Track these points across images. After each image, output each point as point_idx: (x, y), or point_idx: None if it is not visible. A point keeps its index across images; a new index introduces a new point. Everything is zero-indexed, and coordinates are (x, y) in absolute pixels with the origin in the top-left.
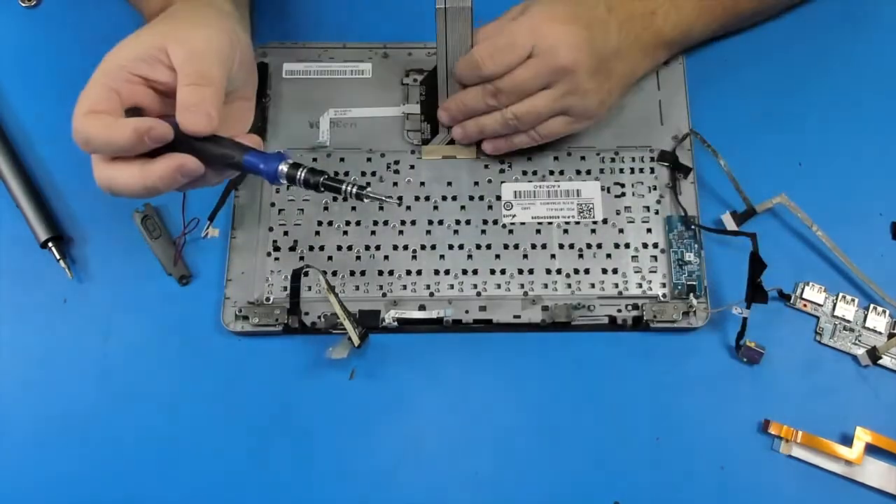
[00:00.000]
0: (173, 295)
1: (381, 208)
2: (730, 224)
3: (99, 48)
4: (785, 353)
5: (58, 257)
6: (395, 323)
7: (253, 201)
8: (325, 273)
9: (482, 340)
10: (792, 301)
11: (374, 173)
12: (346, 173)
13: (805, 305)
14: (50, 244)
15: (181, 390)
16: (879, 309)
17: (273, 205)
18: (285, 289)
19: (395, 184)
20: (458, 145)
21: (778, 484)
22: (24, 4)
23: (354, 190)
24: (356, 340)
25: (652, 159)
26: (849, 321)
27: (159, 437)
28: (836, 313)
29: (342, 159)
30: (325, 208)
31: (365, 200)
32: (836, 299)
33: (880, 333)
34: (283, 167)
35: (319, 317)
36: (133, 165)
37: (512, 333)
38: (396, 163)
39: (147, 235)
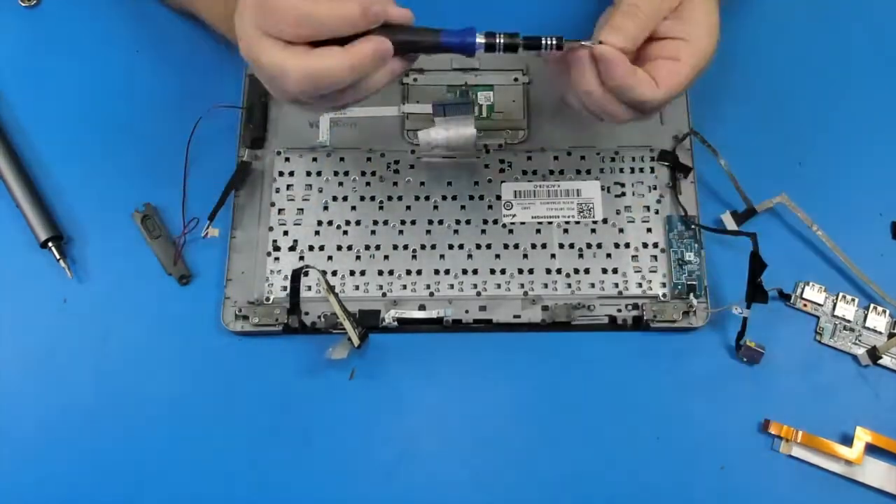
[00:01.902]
0: (173, 295)
1: (380, 208)
2: (730, 224)
3: (99, 48)
4: (785, 353)
5: (58, 257)
6: (395, 323)
7: (253, 201)
8: (324, 273)
9: (482, 340)
10: (792, 301)
11: (374, 173)
12: (346, 173)
13: (805, 305)
14: (50, 244)
15: (181, 390)
16: (879, 309)
17: (273, 205)
18: (285, 289)
19: (395, 183)
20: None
21: (778, 484)
22: (24, 4)
23: (553, 41)
24: (356, 340)
25: (652, 159)
26: (849, 321)
27: (159, 437)
28: (836, 313)
29: (342, 159)
30: (325, 208)
31: (564, 48)
32: (836, 299)
33: (880, 333)
34: (481, 39)
35: (319, 317)
36: (335, 50)
37: (512, 333)
38: (396, 162)
39: (147, 235)
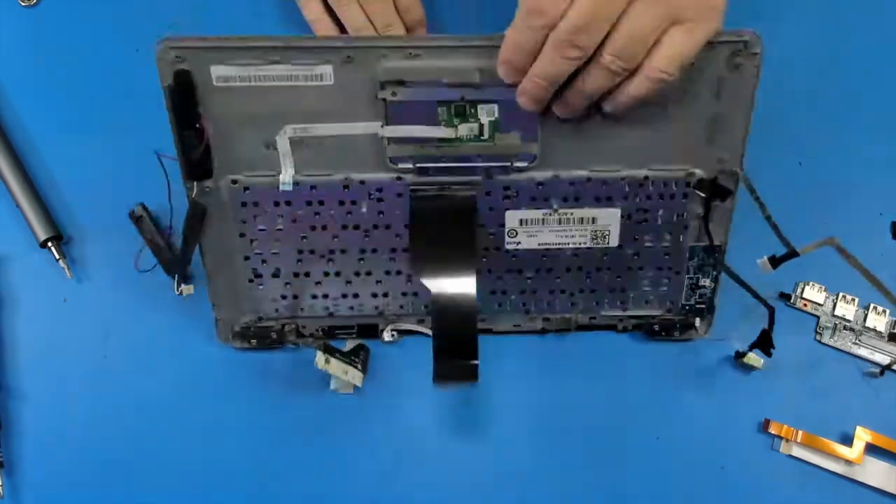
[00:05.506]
0: (173, 295)
1: (366, 236)
2: (766, 268)
3: (99, 48)
4: (785, 353)
5: (57, 257)
6: (395, 334)
7: (220, 230)
8: (323, 343)
9: (482, 343)
10: (792, 301)
11: (353, 202)
12: (321, 202)
13: (805, 305)
14: (49, 244)
15: (181, 390)
16: (879, 309)
17: (243, 235)
18: (277, 310)
19: (381, 212)
20: None
21: (778, 484)
22: (24, 4)
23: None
24: (359, 383)
25: (687, 185)
26: (849, 321)
27: (159, 438)
28: (836, 313)
29: (313, 188)
30: (304, 237)
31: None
32: (836, 299)
33: (880, 333)
34: None
35: (315, 339)
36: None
37: (512, 336)
38: (379, 191)
39: (144, 236)
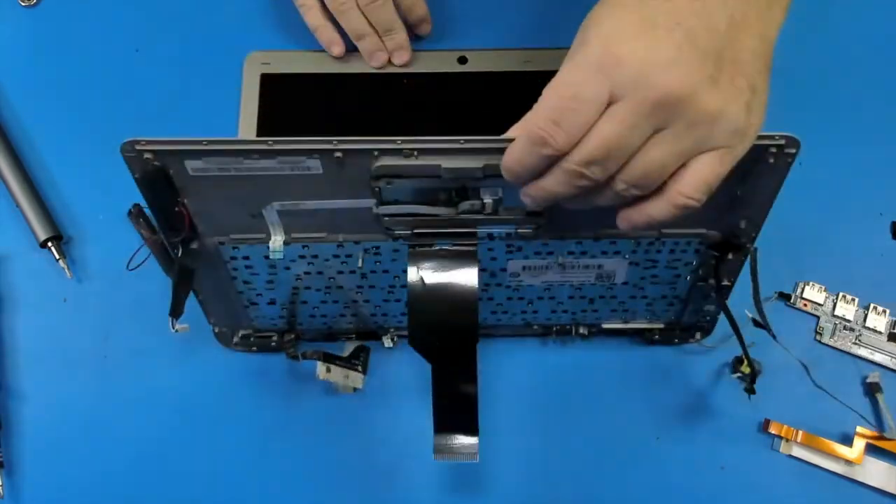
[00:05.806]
0: None
1: (363, 276)
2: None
3: (99, 48)
4: (785, 353)
5: (57, 257)
6: (395, 339)
7: (210, 275)
8: (321, 357)
9: (483, 343)
10: (792, 301)
11: (349, 255)
12: (315, 256)
13: (805, 305)
14: (49, 244)
15: (181, 391)
16: (879, 308)
17: (234, 278)
18: (275, 325)
19: (378, 262)
20: None
21: (778, 484)
22: (24, 4)
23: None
24: (360, 384)
25: (700, 243)
26: (849, 321)
27: (159, 438)
28: (836, 313)
29: (305, 246)
30: (298, 278)
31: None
32: (836, 299)
33: (880, 333)
34: None
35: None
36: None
37: (513, 338)
38: (377, 248)
39: (142, 236)
